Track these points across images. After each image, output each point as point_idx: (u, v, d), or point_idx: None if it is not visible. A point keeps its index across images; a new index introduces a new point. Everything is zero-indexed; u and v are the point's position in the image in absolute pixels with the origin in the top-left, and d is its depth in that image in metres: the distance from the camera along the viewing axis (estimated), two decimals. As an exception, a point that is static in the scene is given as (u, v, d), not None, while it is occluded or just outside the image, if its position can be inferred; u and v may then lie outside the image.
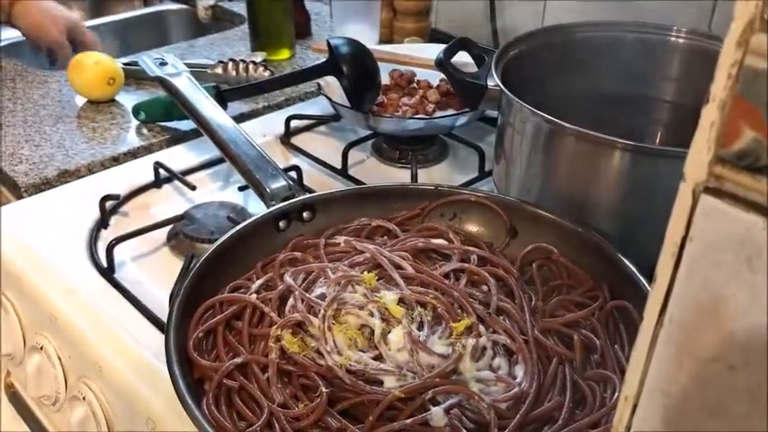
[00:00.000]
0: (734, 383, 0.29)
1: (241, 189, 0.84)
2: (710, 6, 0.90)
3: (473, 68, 0.84)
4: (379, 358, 0.55)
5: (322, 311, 0.56)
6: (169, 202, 0.87)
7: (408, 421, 0.51)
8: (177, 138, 1.00)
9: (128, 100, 1.09)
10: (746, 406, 0.29)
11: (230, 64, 1.12)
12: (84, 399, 0.68)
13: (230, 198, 0.86)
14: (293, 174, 0.86)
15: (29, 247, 0.79)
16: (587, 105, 0.80)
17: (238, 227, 0.66)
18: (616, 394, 0.53)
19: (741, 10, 0.25)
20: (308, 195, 0.72)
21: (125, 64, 1.14)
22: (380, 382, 0.54)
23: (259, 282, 0.63)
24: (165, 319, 0.58)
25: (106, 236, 0.80)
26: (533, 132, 0.70)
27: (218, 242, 0.63)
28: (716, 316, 0.29)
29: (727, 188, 0.27)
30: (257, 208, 0.80)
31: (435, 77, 1.00)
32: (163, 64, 0.98)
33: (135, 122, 1.03)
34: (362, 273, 0.61)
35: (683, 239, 0.29)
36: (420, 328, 0.57)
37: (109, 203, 0.84)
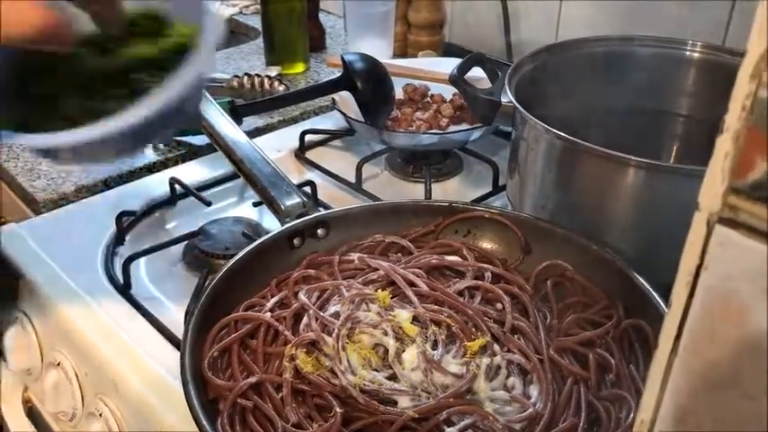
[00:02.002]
0: (751, 413, 0.29)
1: (255, 204, 0.85)
2: (726, 18, 0.90)
3: (487, 83, 0.84)
4: (393, 378, 0.55)
5: (336, 331, 0.57)
6: (184, 218, 0.88)
7: (422, 442, 0.51)
8: (192, 153, 1.01)
9: (144, 115, 1.10)
10: (764, 436, 0.29)
11: (245, 78, 1.13)
12: (100, 415, 0.68)
13: (245, 213, 0.86)
14: (308, 189, 0.86)
15: (46, 262, 0.80)
16: (602, 120, 0.80)
17: (252, 245, 0.66)
18: (631, 415, 0.53)
19: (754, 42, 0.25)
20: (322, 212, 0.73)
21: (141, 79, 1.14)
22: (394, 402, 0.54)
23: (273, 300, 0.63)
24: (180, 336, 0.58)
25: (122, 252, 0.81)
26: (547, 149, 0.70)
27: (232, 261, 0.64)
28: (731, 345, 0.29)
29: (741, 219, 0.27)
30: (272, 223, 0.80)
31: (449, 91, 1.01)
32: (178, 80, 0.99)
33: (151, 137, 1.04)
34: (376, 290, 0.62)
35: (698, 268, 0.29)
36: (434, 347, 0.57)
37: (125, 219, 0.84)
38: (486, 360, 0.56)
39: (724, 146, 0.27)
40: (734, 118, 0.27)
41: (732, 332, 0.29)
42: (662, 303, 0.57)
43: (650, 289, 0.59)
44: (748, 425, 0.29)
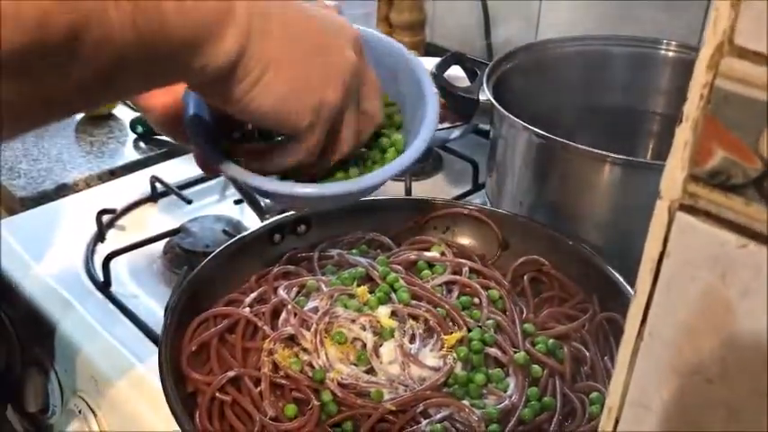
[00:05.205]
0: (712, 397, 0.30)
1: (236, 203, 0.85)
2: (701, 20, 0.91)
3: (467, 83, 0.85)
4: (371, 372, 0.56)
5: (314, 325, 0.57)
6: (165, 216, 0.88)
7: (399, 434, 0.51)
8: (173, 152, 1.01)
9: (125, 114, 1.10)
10: (724, 420, 0.29)
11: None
12: (79, 412, 0.68)
13: (226, 212, 0.87)
14: (288, 187, 0.87)
15: (26, 260, 0.80)
16: (579, 119, 0.81)
17: (232, 240, 0.66)
18: (606, 406, 0.53)
19: (711, 35, 0.26)
20: (302, 209, 0.73)
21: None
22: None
23: (253, 295, 0.63)
24: (160, 333, 0.58)
25: (103, 250, 0.81)
26: (524, 146, 0.71)
27: (211, 255, 0.64)
28: (693, 329, 0.30)
29: (701, 205, 0.28)
30: (253, 221, 0.81)
31: (430, 91, 1.01)
32: (160, 79, 0.99)
33: (132, 136, 1.04)
34: (355, 286, 0.62)
35: (661, 255, 0.30)
36: (412, 340, 0.58)
37: (106, 217, 0.84)
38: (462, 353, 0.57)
39: (683, 135, 0.28)
40: (692, 107, 0.28)
41: (694, 317, 0.30)
42: (636, 297, 0.58)
43: (625, 283, 0.60)
44: (711, 411, 0.30)
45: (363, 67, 0.48)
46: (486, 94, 0.74)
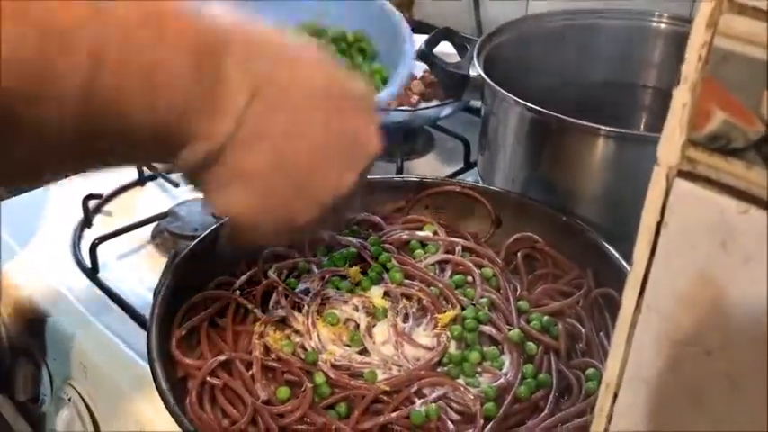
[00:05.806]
0: (712, 368, 0.29)
1: (225, 185, 0.83)
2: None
3: (457, 59, 0.84)
4: (364, 352, 0.55)
5: (306, 307, 0.56)
6: (153, 200, 0.86)
7: (394, 415, 0.51)
8: (161, 135, 1.00)
9: (110, 98, 1.08)
10: (725, 391, 0.29)
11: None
12: (69, 400, 0.67)
13: (215, 194, 0.85)
14: (277, 169, 0.86)
15: (12, 247, 0.79)
16: (571, 93, 0.80)
17: (220, 222, 0.65)
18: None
19: (709, -9, 0.25)
20: (291, 190, 0.72)
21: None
22: (366, 376, 0.53)
23: (243, 278, 0.62)
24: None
25: (90, 235, 0.80)
26: (516, 121, 0.70)
27: (200, 238, 0.63)
28: (692, 300, 0.29)
29: (700, 171, 0.27)
30: (242, 204, 0.79)
31: (419, 69, 1.00)
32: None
33: (118, 121, 1.03)
34: (347, 267, 0.61)
35: (659, 224, 0.29)
36: (405, 320, 0.57)
37: (92, 203, 0.83)
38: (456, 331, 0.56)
39: (681, 97, 0.27)
40: (690, 68, 0.27)
41: (693, 287, 0.29)
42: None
43: (620, 258, 0.59)
44: (711, 382, 0.29)
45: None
46: (476, 70, 0.73)
